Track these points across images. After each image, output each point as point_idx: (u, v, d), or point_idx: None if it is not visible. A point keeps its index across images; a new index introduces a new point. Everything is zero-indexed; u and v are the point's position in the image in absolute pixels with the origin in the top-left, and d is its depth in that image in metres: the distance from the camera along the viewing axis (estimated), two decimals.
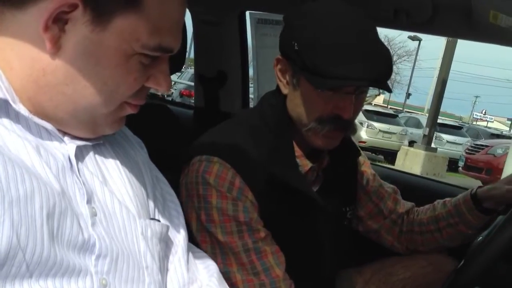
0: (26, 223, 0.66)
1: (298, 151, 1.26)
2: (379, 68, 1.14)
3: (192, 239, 1.10)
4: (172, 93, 14.15)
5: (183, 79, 14.74)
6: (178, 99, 13.66)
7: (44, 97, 0.74)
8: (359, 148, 1.44)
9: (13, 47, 0.73)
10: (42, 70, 0.73)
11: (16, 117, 0.73)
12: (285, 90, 1.23)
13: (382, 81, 1.15)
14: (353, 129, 1.26)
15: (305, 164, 1.27)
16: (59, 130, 0.78)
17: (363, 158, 1.51)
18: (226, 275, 1.05)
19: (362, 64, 1.12)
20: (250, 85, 2.30)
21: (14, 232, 0.65)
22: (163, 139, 1.24)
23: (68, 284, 0.70)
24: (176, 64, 1.37)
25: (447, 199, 1.49)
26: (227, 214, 1.14)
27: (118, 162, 0.87)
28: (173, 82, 14.43)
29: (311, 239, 1.30)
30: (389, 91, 1.19)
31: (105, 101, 0.77)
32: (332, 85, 1.14)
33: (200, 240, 1.16)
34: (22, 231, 0.65)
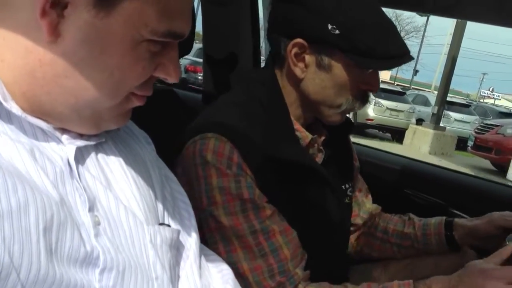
0: (19, 239, 0.58)
1: (296, 124, 1.21)
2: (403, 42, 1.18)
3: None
4: None
5: (188, 55, 14.55)
6: (183, 75, 13.53)
7: (41, 91, 0.66)
8: (351, 120, 1.41)
9: (4, 35, 0.65)
10: (38, 61, 0.65)
11: (7, 117, 0.65)
12: (301, 75, 1.17)
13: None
14: None
15: (305, 137, 1.22)
16: (57, 129, 0.70)
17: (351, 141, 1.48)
18: (232, 265, 0.98)
19: (399, 41, 1.15)
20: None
21: (6, 249, 0.57)
22: (170, 126, 1.15)
23: None
24: (184, 48, 1.28)
25: (417, 222, 1.46)
26: (231, 193, 1.06)
27: (122, 162, 0.78)
28: None
29: (320, 214, 1.23)
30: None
31: (110, 93, 0.69)
32: (389, 65, 1.14)
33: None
34: (15, 248, 0.58)
